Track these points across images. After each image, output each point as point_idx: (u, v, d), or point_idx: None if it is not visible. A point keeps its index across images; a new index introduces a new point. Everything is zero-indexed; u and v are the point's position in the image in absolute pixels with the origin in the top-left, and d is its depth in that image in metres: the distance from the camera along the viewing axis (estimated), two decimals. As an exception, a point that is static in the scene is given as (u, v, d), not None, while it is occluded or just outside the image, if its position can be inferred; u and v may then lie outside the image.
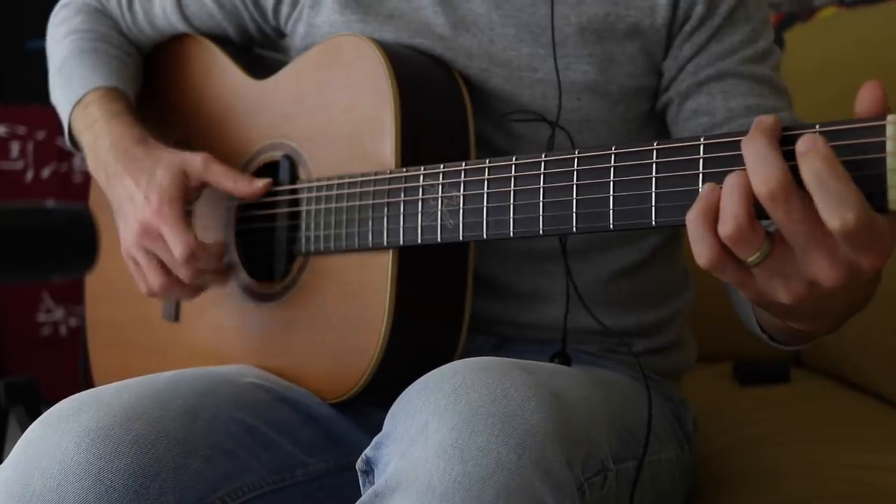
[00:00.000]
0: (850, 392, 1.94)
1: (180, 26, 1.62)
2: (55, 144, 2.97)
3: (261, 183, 1.40)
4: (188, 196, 1.41)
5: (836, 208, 0.85)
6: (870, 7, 2.18)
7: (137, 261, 1.42)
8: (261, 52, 1.67)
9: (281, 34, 1.58)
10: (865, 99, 0.87)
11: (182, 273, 1.39)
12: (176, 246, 1.36)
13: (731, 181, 0.90)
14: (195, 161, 1.40)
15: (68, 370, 2.83)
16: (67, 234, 1.81)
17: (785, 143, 0.90)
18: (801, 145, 0.86)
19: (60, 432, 1.13)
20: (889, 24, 1.99)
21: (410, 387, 1.09)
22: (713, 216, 0.92)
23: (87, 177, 1.56)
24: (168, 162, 1.41)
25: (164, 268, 1.40)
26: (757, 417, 1.80)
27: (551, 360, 1.32)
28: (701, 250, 0.93)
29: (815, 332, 1.08)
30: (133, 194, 1.40)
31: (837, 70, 2.05)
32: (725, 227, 0.90)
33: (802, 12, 2.49)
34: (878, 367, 1.87)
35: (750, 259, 0.91)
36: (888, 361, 1.82)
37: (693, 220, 0.93)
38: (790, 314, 1.00)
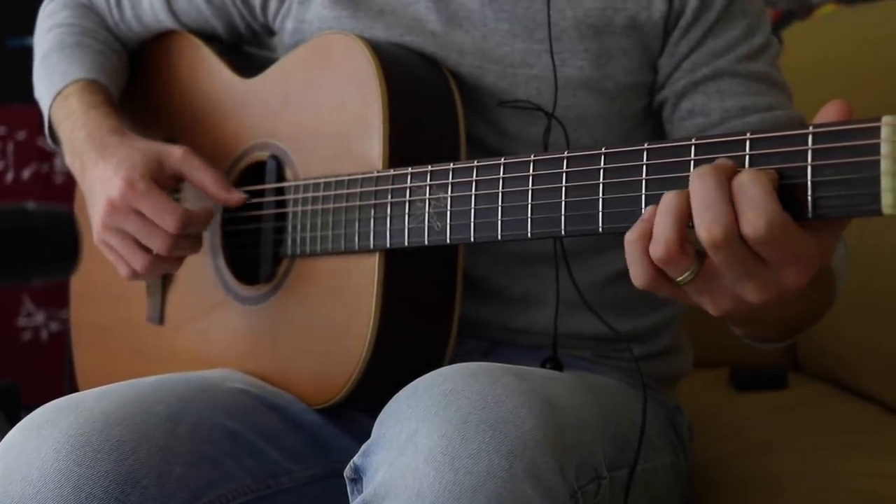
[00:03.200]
0: (849, 398, 1.94)
1: (168, 23, 1.62)
2: (36, 145, 2.96)
3: (237, 195, 1.39)
4: (161, 182, 1.38)
5: (750, 217, 0.88)
6: (869, 4, 2.19)
7: (111, 245, 1.40)
8: (249, 49, 1.67)
9: (270, 31, 1.58)
10: (830, 117, 0.89)
11: (159, 244, 1.36)
12: (167, 218, 1.33)
13: (667, 204, 0.93)
14: (174, 151, 1.39)
15: (49, 375, 2.81)
16: (49, 236, 1.81)
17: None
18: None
19: (40, 438, 1.13)
20: (888, 22, 2.00)
21: (399, 393, 1.09)
22: (649, 239, 0.95)
23: (68, 178, 1.56)
24: (144, 147, 1.40)
25: (141, 245, 1.38)
26: (754, 424, 1.80)
27: (542, 366, 1.32)
28: (636, 272, 0.97)
29: (760, 336, 1.14)
30: (104, 174, 1.38)
31: (836, 69, 2.05)
32: (656, 250, 0.93)
33: (800, 10, 2.49)
34: (877, 373, 1.87)
35: (679, 279, 0.95)
36: (887, 366, 1.82)
37: (632, 242, 0.96)
38: (724, 319, 1.04)
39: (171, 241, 1.35)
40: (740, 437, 1.72)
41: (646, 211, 0.96)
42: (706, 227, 0.90)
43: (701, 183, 0.91)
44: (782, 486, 1.49)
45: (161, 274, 1.48)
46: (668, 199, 0.93)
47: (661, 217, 0.93)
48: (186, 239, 1.38)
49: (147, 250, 1.38)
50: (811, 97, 1.79)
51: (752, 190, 0.88)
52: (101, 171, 1.39)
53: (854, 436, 1.71)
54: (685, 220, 0.92)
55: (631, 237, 0.96)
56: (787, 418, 1.82)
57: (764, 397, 1.98)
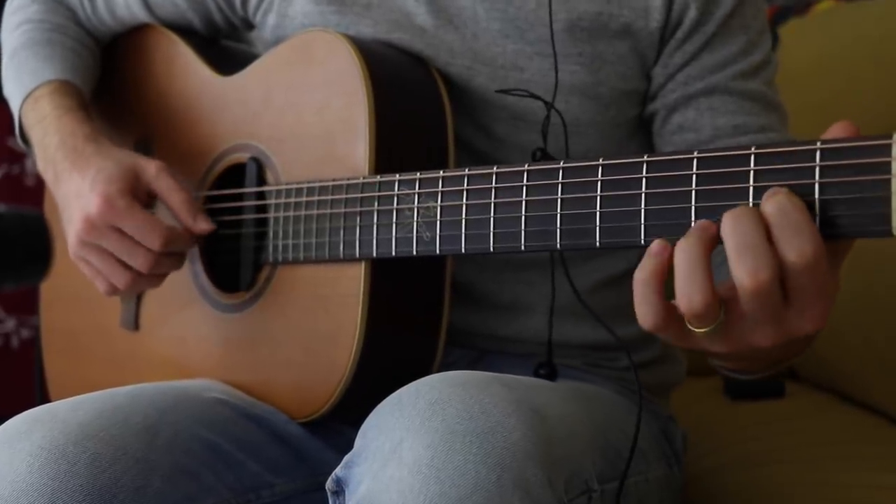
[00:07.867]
0: (849, 407, 1.94)
1: (142, 16, 1.61)
2: (6, 146, 2.96)
3: (204, 224, 1.39)
4: (138, 196, 1.38)
5: (796, 242, 0.86)
6: (867, 1, 2.20)
7: (89, 262, 1.40)
8: (227, 44, 1.66)
9: (249, 25, 1.57)
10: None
11: (141, 262, 1.36)
12: (150, 237, 1.34)
13: (693, 253, 0.91)
14: (149, 166, 1.39)
15: (21, 384, 2.81)
16: (20, 240, 1.80)
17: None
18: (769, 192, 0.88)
19: (12, 451, 1.13)
20: (888, 19, 2.01)
21: (383, 402, 1.09)
22: (664, 276, 0.93)
23: (40, 180, 1.56)
24: (120, 159, 1.40)
25: (121, 262, 1.38)
26: (750, 434, 1.80)
27: (535, 373, 1.32)
28: (646, 312, 0.95)
29: (745, 370, 1.13)
30: (80, 189, 1.38)
31: (834, 66, 2.06)
32: (691, 305, 0.90)
33: (798, 6, 2.50)
34: (878, 382, 1.87)
35: (704, 330, 0.93)
36: (888, 376, 1.83)
37: (644, 281, 0.94)
38: (720, 358, 1.03)
39: (153, 258, 1.36)
40: (736, 449, 1.73)
41: (654, 246, 0.93)
42: (751, 274, 0.87)
43: (737, 224, 0.88)
44: (780, 499, 1.50)
45: (142, 290, 1.48)
46: (694, 246, 0.90)
47: (692, 269, 0.90)
48: (169, 257, 1.38)
49: (128, 267, 1.38)
50: (808, 95, 1.81)
51: (795, 215, 0.86)
52: (77, 185, 1.39)
53: (854, 447, 1.72)
54: (710, 270, 0.90)
55: (642, 276, 0.93)
56: (785, 429, 1.82)
57: (760, 407, 1.98)
